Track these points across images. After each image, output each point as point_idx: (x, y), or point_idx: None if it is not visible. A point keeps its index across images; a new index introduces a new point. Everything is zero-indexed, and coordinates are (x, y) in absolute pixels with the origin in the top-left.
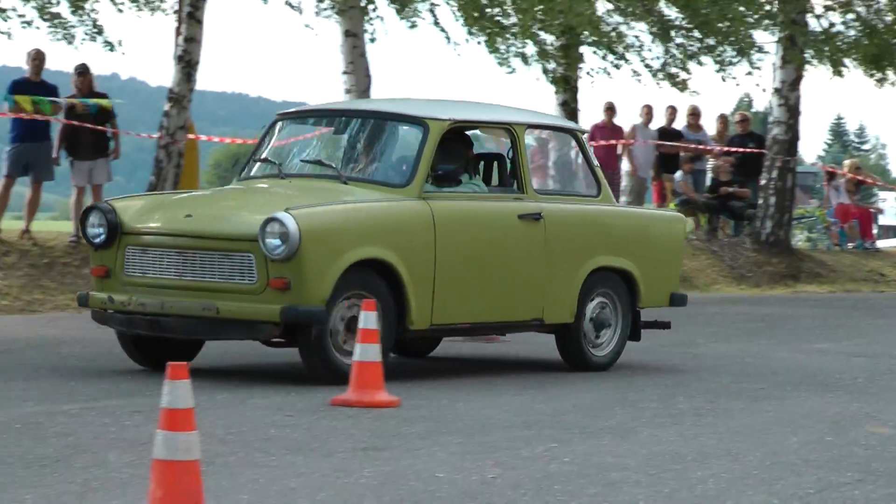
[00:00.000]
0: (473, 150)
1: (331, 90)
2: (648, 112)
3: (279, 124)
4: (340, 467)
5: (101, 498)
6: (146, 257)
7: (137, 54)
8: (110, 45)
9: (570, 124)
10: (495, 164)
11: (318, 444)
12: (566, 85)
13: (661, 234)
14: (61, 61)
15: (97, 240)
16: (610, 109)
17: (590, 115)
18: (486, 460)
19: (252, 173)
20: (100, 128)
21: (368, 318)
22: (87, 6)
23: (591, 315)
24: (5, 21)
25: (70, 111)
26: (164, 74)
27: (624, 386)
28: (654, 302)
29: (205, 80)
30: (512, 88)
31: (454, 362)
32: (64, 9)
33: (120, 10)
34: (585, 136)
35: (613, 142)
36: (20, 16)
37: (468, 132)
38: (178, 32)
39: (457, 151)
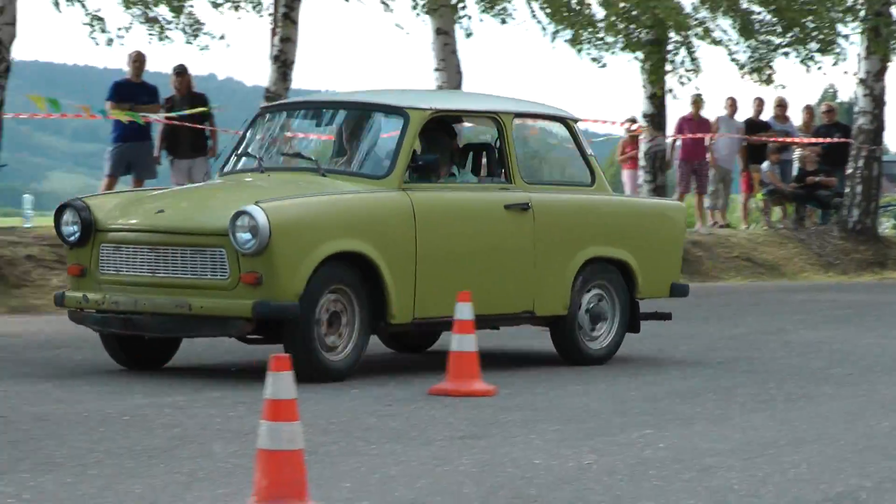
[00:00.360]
0: (458, 141)
1: (423, 87)
2: (733, 104)
3: (262, 118)
4: (439, 455)
5: (207, 487)
6: (120, 255)
7: (234, 55)
8: (209, 38)
9: (559, 112)
10: (484, 154)
11: (416, 432)
12: (655, 77)
13: (661, 224)
14: (161, 62)
15: (71, 238)
16: (697, 102)
17: (678, 108)
18: (581, 447)
19: (233, 168)
20: (198, 126)
21: (464, 310)
22: (186, 6)
23: (586, 307)
24: (103, 32)
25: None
26: (260, 74)
27: (716, 373)
28: (654, 293)
29: (300, 79)
30: (605, 81)
31: (548, 353)
32: (164, 10)
33: (216, 7)
34: (577, 123)
35: (700, 135)
36: (120, 27)
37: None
38: (273, 33)
39: (441, 142)
